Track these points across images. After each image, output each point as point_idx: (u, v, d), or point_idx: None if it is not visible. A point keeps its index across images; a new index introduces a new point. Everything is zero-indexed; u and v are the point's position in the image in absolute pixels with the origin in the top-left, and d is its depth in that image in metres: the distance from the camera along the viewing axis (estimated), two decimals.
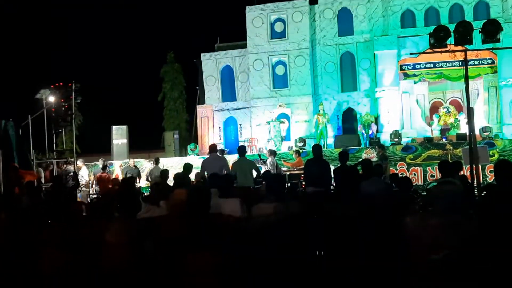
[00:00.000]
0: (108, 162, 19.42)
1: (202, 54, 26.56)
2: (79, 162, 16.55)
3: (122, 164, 19.61)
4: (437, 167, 13.52)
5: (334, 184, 9.55)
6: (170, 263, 3.79)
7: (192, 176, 11.54)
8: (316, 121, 22.39)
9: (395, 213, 5.82)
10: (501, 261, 3.60)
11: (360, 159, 14.84)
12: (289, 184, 13.64)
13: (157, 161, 16.86)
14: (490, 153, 15.73)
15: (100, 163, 17.38)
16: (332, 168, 11.49)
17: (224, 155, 16.84)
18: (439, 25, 10.14)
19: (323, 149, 20.02)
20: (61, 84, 15.26)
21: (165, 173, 10.80)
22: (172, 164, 18.97)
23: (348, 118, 24.10)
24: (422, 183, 16.73)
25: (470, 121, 9.39)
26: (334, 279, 3.90)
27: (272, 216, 5.65)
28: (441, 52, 10.81)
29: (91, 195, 15.30)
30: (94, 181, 16.50)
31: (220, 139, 25.49)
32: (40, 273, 4.20)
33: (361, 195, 6.74)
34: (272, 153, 16.26)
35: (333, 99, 24.01)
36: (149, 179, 15.88)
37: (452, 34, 9.68)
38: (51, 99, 15.26)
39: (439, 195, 5.22)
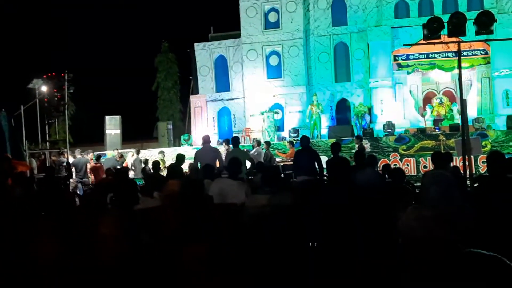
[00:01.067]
0: (101, 152, 19.35)
1: (195, 44, 26.44)
2: (77, 153, 16.47)
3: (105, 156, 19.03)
4: (430, 158, 13.58)
5: (327, 175, 9.59)
6: (165, 254, 3.80)
7: (185, 167, 11.54)
8: (309, 112, 22.40)
9: (389, 204, 5.85)
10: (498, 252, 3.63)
11: (354, 150, 14.88)
12: (282, 175, 13.66)
13: (137, 152, 17.15)
14: (483, 143, 15.82)
15: (90, 155, 17.22)
16: (326, 158, 11.54)
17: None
18: (433, 17, 10.14)
19: (316, 139, 20.17)
20: (53, 74, 15.19)
21: (156, 164, 10.77)
22: (166, 155, 18.95)
23: (342, 108, 24.11)
24: (415, 174, 16.81)
25: (463, 113, 9.42)
26: (327, 270, 3.92)
27: (267, 208, 5.67)
28: (434, 43, 10.82)
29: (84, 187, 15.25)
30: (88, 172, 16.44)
31: (214, 130, 25.46)
32: (34, 263, 4.20)
33: (354, 185, 6.75)
34: (267, 144, 16.29)
35: (327, 90, 24.00)
36: (133, 169, 16.02)
37: (446, 25, 9.68)
38: (44, 89, 15.19)
39: (432, 181, 5.25)
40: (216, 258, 3.74)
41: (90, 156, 16.69)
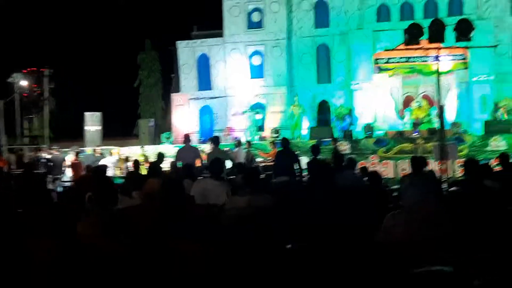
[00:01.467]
0: (81, 149, 19.16)
1: (178, 42, 26.36)
2: (54, 150, 16.25)
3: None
4: (408, 160, 13.77)
5: (308, 176, 9.70)
6: (144, 254, 3.82)
7: (167, 165, 11.55)
8: (291, 112, 22.52)
9: (370, 206, 5.95)
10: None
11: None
12: (263, 176, 13.72)
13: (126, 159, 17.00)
14: (460, 148, 16.10)
15: (72, 152, 17.01)
16: (306, 159, 11.66)
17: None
18: (413, 23, 10.34)
19: (297, 140, 20.28)
20: (33, 69, 15.07)
21: (137, 162, 10.76)
22: (147, 152, 18.85)
23: (323, 110, 24.29)
24: (394, 177, 17.00)
25: (441, 118, 9.60)
26: (307, 273, 3.98)
27: (247, 209, 5.71)
28: (415, 49, 11.02)
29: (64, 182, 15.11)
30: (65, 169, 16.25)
31: (196, 128, 25.43)
32: (13, 261, 4.19)
33: (335, 188, 6.84)
34: (248, 143, 16.36)
35: (308, 91, 24.14)
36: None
37: (426, 31, 9.86)
38: (23, 83, 15.04)
39: (410, 185, 5.37)
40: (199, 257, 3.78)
41: (74, 152, 16.37)
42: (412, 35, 9.67)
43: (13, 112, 15.07)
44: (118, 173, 16.10)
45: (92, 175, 8.23)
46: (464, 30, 9.72)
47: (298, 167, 10.44)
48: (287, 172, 9.91)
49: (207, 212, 6.18)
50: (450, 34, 10.91)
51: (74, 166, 15.63)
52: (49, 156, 15.48)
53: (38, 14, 36.99)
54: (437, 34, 9.49)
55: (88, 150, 19.11)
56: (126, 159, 17.23)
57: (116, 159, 17.04)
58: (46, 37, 36.46)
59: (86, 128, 22.78)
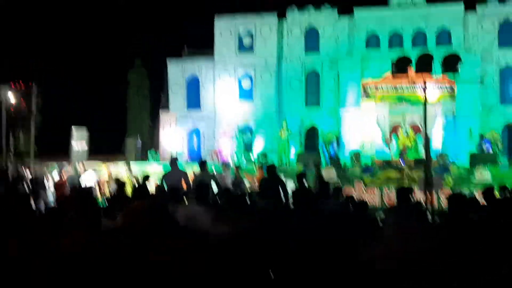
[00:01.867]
0: (65, 166, 18.90)
1: (168, 60, 26.45)
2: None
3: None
4: (394, 189, 13.79)
5: (292, 204, 9.70)
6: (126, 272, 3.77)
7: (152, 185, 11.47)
8: (279, 136, 22.56)
9: (353, 233, 5.95)
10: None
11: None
12: (248, 201, 13.65)
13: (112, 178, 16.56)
14: (445, 178, 16.19)
15: (56, 171, 16.57)
16: (292, 184, 11.65)
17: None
18: (402, 57, 10.46)
19: (284, 164, 20.30)
20: (21, 83, 14.99)
21: (121, 183, 10.60)
22: (132, 170, 18.67)
23: (311, 134, 24.40)
24: (380, 205, 17.00)
25: (427, 150, 9.69)
26: None
27: (231, 235, 5.68)
28: (402, 80, 11.15)
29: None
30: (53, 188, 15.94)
31: (182, 147, 25.38)
32: None
33: (319, 215, 6.84)
34: (237, 167, 16.32)
35: (297, 115, 24.24)
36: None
37: (414, 62, 9.99)
38: (11, 98, 14.94)
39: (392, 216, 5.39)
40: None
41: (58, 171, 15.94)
42: (400, 68, 9.81)
43: None
44: (106, 191, 15.87)
45: (75, 196, 8.10)
46: (451, 63, 9.87)
47: (283, 193, 10.41)
48: (272, 199, 9.87)
49: (192, 237, 6.12)
50: (437, 64, 11.07)
51: (59, 186, 15.34)
52: (30, 173, 15.26)
53: (28, 28, 36.97)
54: (425, 65, 9.63)
55: (73, 168, 18.74)
56: (117, 181, 16.74)
57: (96, 179, 16.45)
58: (36, 51, 36.39)
59: (73, 142, 22.54)
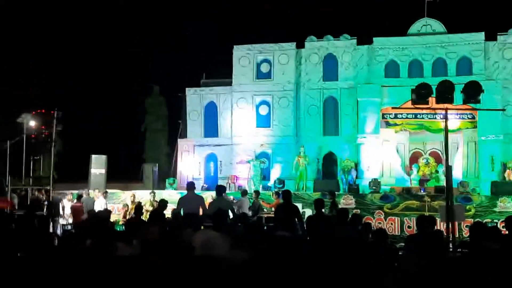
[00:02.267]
0: (82, 191, 18.99)
1: (187, 89, 26.69)
2: (97, 192, 16.05)
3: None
4: (414, 218, 13.56)
5: (307, 231, 9.56)
6: None
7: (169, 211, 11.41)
8: (296, 163, 22.42)
9: (370, 259, 5.83)
10: None
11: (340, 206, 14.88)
12: (265, 227, 13.53)
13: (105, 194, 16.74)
14: (467, 207, 15.89)
15: (69, 194, 16.67)
16: (309, 212, 11.52)
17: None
18: (422, 83, 10.33)
19: (302, 191, 20.12)
20: (42, 110, 15.20)
21: (139, 208, 10.60)
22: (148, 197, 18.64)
23: (329, 162, 24.19)
24: (399, 234, 16.72)
25: (448, 179, 9.50)
26: None
27: (247, 262, 5.61)
28: (422, 109, 11.02)
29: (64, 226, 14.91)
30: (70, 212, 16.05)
31: (200, 174, 25.36)
32: None
33: (334, 243, 6.72)
34: (256, 193, 16.28)
35: (314, 142, 24.13)
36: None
37: (434, 91, 9.88)
38: (32, 124, 15.14)
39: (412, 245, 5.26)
40: None
41: (69, 197, 16.08)
42: (420, 95, 9.68)
43: (20, 152, 15.06)
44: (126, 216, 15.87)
45: (91, 221, 8.11)
46: (473, 93, 9.73)
47: (298, 222, 10.27)
48: (287, 226, 9.68)
49: (208, 264, 6.05)
50: (458, 93, 10.93)
51: (75, 210, 15.44)
52: (48, 198, 15.36)
53: (50, 57, 37.69)
54: (445, 94, 9.49)
55: (90, 193, 18.85)
56: (135, 206, 16.77)
57: (106, 206, 16.40)
58: (56, 79, 37.02)
59: (92, 171, 22.69)
